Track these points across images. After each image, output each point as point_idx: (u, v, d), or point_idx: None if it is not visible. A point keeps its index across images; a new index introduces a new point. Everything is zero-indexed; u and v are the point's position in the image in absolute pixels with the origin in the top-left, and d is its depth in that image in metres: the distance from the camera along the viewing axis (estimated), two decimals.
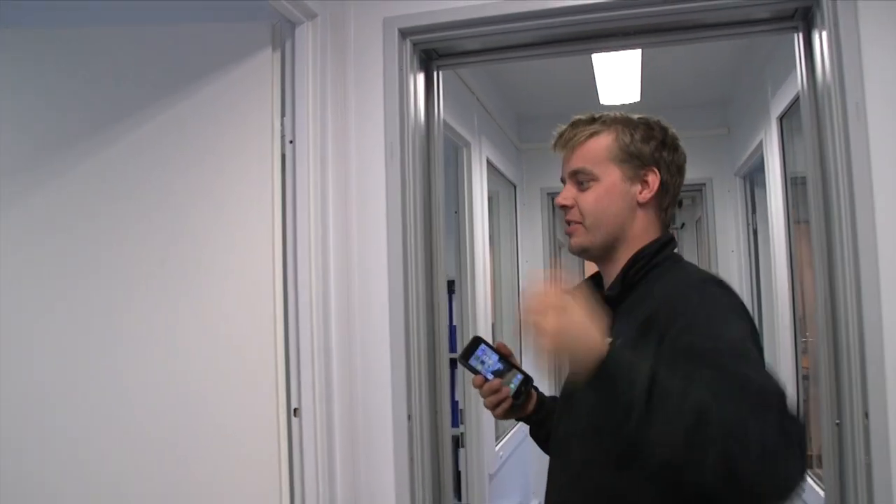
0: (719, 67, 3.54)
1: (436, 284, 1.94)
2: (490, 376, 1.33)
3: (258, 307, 1.69)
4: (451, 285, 3.18)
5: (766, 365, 1.06)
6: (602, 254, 1.34)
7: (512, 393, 1.33)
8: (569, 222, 1.34)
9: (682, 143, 1.37)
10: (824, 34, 1.63)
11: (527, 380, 1.34)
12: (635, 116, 1.36)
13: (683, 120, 3.92)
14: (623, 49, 2.16)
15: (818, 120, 1.69)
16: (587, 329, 1.02)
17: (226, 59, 1.72)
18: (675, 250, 1.38)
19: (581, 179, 1.32)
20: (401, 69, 1.81)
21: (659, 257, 1.30)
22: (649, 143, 1.32)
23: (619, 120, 1.34)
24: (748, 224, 3.78)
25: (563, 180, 1.36)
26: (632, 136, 1.32)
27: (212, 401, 1.68)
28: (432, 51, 1.95)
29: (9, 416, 1.68)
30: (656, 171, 1.31)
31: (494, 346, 1.37)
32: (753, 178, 3.69)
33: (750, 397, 0.96)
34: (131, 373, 1.68)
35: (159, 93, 1.71)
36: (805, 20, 1.76)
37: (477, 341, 1.36)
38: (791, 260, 2.86)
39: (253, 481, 1.67)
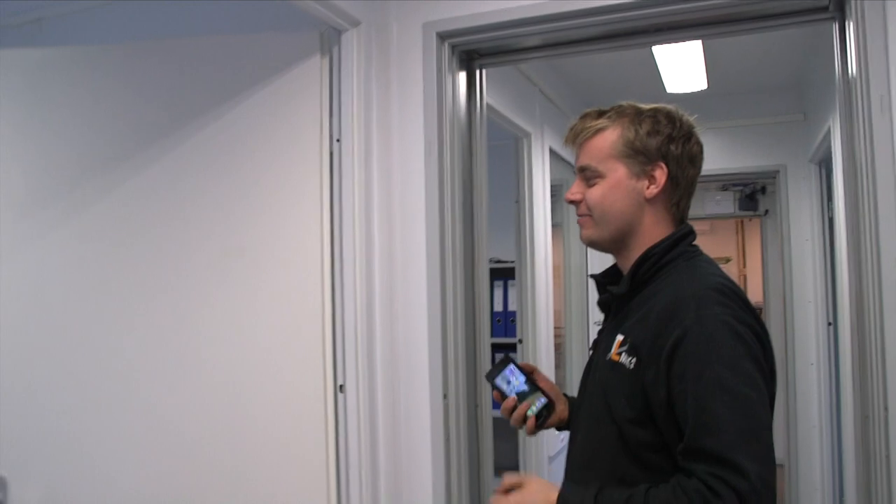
0: (792, 52, 3.45)
1: (477, 272, 2.05)
2: (513, 395, 1.43)
3: (308, 292, 1.85)
4: (510, 272, 3.28)
5: (755, 394, 1.13)
6: (612, 247, 1.38)
7: (535, 412, 1.41)
8: (580, 214, 1.39)
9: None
10: (852, 25, 1.63)
11: (549, 405, 1.43)
12: (646, 108, 1.36)
13: (756, 106, 3.90)
14: (668, 42, 2.17)
15: (850, 110, 1.69)
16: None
17: (278, 66, 1.88)
18: (694, 242, 1.37)
19: (588, 176, 1.35)
20: (439, 70, 1.92)
21: (670, 255, 1.31)
22: (656, 137, 1.32)
23: (627, 114, 1.35)
24: (823, 212, 3.68)
25: (574, 173, 1.41)
26: (637, 131, 1.32)
27: (266, 377, 1.85)
28: (473, 51, 2.05)
29: (71, 385, 1.93)
30: (663, 166, 1.32)
31: (520, 366, 1.45)
32: (829, 165, 3.59)
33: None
34: (196, 350, 1.88)
35: (216, 99, 1.88)
36: (840, 11, 1.75)
37: (507, 360, 1.44)
38: None
39: (302, 451, 1.83)
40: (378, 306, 1.90)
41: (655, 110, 1.35)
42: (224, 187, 1.89)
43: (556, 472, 3.44)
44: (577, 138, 1.38)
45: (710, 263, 1.34)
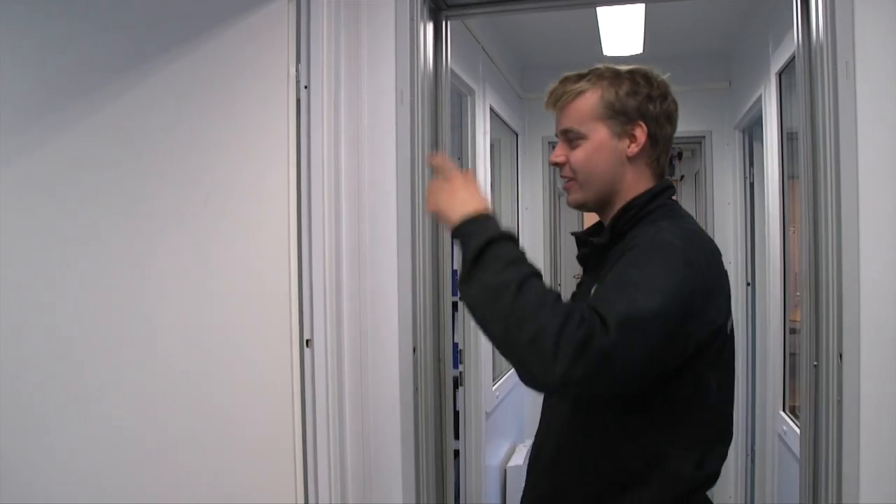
0: (723, 21, 3.58)
1: (441, 227, 2.03)
2: None
3: (274, 245, 1.79)
4: None
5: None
6: (598, 207, 1.43)
7: None
8: (564, 178, 1.43)
9: (673, 92, 1.42)
10: None
11: None
12: (623, 69, 1.40)
13: (685, 72, 4.00)
14: (624, 3, 2.21)
15: (811, 76, 1.76)
16: (459, 199, 1.27)
17: (242, 7, 1.77)
18: (673, 197, 1.45)
19: (571, 138, 1.39)
20: (411, 18, 1.87)
21: (651, 206, 1.37)
22: (635, 97, 1.36)
23: (606, 76, 1.38)
24: (745, 177, 3.86)
25: (556, 136, 1.43)
26: (616, 92, 1.36)
27: (230, 331, 1.79)
28: (441, 1, 2.01)
29: (37, 341, 1.81)
30: (643, 125, 1.37)
31: None
32: (752, 132, 3.76)
33: (562, 305, 1.10)
34: (154, 304, 1.79)
35: (178, 39, 1.76)
36: None
37: None
38: (784, 214, 2.95)
39: (267, 407, 1.79)
40: (346, 258, 1.85)
41: (632, 72, 1.40)
42: (187, 133, 1.78)
43: (493, 427, 3.52)
44: (557, 102, 1.41)
45: (687, 217, 1.42)
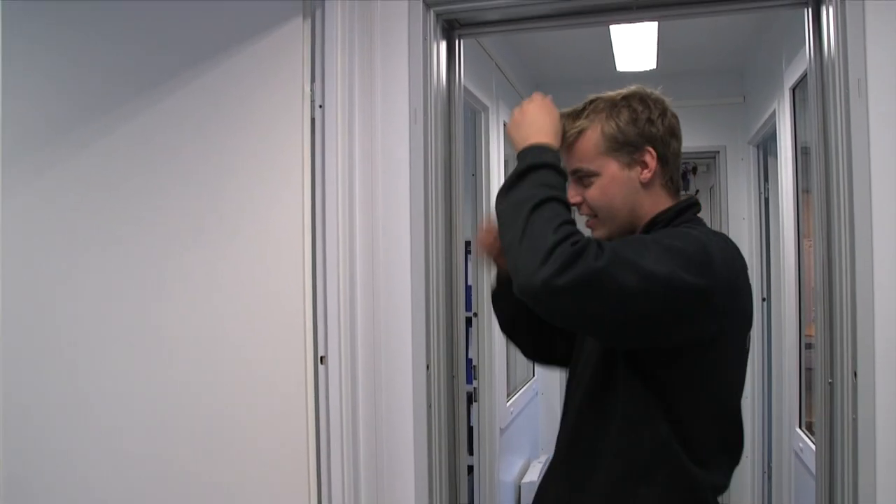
0: (736, 36, 3.58)
1: (454, 244, 2.05)
2: None
3: (289, 262, 1.81)
4: (467, 246, 3.29)
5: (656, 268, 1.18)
6: (624, 235, 1.43)
7: None
8: (585, 216, 1.45)
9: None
10: (831, 10, 1.69)
11: None
12: (618, 97, 1.40)
13: (699, 88, 4.03)
14: (639, 21, 2.21)
15: (823, 94, 1.76)
16: (535, 126, 1.36)
17: (259, 28, 1.81)
18: (699, 214, 1.46)
19: (582, 176, 1.40)
20: (424, 38, 1.89)
21: (677, 221, 1.39)
22: (636, 124, 1.38)
23: (603, 108, 1.40)
24: (760, 192, 3.85)
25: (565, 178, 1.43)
26: (616, 124, 1.37)
27: (246, 349, 1.81)
28: (454, 20, 2.03)
29: (49, 351, 1.84)
30: (651, 150, 1.38)
31: None
32: (766, 146, 3.75)
33: (569, 227, 1.20)
34: (170, 321, 1.81)
35: (196, 59, 1.80)
36: None
37: None
38: (798, 228, 2.94)
39: (282, 423, 1.80)
40: (360, 277, 1.87)
41: (627, 98, 1.41)
42: (202, 152, 1.81)
43: (507, 443, 3.51)
44: (563, 142, 1.42)
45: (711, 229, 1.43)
